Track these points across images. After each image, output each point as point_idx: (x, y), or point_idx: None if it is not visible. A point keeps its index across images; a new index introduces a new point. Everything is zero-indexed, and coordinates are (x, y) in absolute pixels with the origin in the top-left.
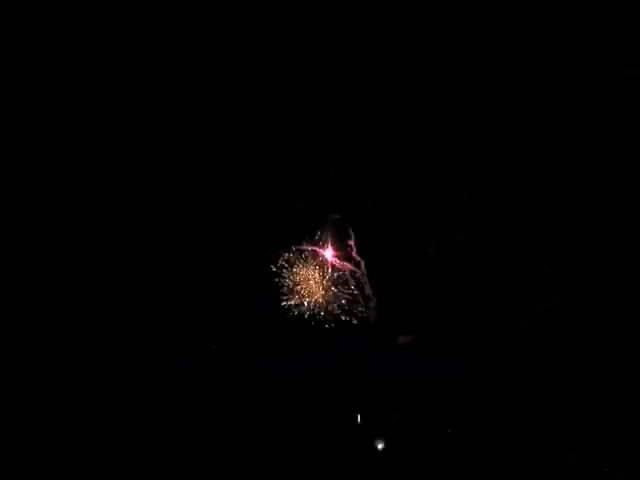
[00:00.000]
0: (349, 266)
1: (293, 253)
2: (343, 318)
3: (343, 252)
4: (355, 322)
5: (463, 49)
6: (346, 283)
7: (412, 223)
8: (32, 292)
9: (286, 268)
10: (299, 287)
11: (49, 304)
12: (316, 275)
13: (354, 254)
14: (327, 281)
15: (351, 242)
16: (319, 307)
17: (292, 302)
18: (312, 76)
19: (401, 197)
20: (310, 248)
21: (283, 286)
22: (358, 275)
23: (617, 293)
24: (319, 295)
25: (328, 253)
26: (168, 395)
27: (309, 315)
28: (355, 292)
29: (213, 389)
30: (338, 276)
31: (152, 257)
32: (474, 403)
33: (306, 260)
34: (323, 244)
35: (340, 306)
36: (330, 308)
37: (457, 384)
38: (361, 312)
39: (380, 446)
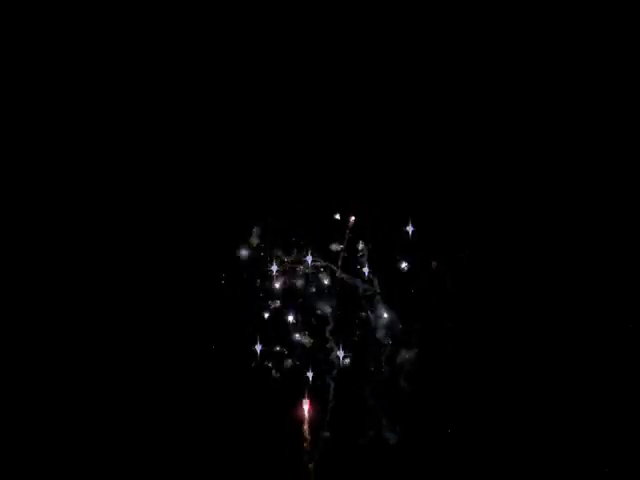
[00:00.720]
0: (361, 283)
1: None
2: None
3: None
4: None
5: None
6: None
7: (415, 236)
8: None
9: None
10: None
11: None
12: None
13: (366, 270)
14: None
15: (363, 258)
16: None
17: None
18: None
19: (404, 210)
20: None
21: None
22: (370, 293)
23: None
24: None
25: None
26: (167, 395)
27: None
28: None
29: (212, 389)
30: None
31: (151, 257)
32: (474, 403)
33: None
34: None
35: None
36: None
37: (456, 386)
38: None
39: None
